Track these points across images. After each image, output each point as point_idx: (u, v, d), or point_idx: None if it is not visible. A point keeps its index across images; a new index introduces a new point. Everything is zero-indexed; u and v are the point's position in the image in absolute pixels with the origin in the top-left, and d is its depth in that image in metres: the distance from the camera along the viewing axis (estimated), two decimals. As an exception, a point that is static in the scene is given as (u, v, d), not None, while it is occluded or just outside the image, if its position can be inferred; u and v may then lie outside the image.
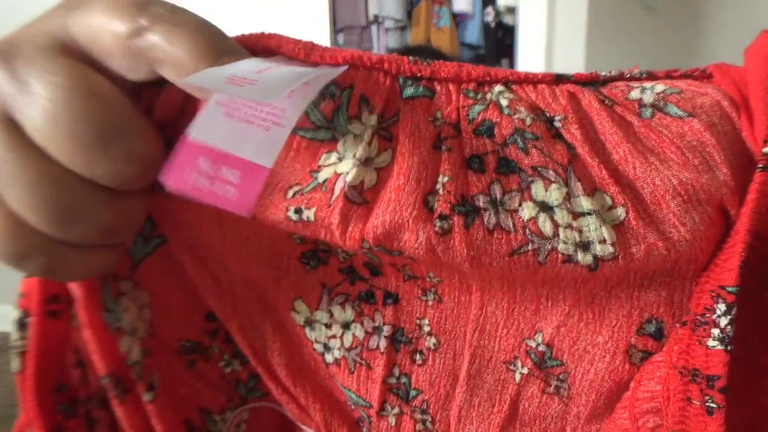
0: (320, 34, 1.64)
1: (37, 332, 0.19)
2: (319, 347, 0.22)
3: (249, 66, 0.15)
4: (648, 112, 0.17)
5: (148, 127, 0.17)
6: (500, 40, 2.39)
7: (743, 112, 0.16)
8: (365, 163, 0.17)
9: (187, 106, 0.18)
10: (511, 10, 2.16)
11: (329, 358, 0.22)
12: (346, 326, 0.21)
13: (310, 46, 0.17)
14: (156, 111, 0.18)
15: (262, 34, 0.17)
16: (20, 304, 0.19)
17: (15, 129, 0.16)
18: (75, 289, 0.19)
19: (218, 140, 0.15)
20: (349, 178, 0.16)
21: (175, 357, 0.23)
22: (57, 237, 0.17)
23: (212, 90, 0.15)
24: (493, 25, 2.34)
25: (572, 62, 1.72)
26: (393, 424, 0.22)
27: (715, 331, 0.16)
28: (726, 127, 0.16)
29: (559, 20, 1.69)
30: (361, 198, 0.17)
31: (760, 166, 0.15)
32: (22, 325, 0.19)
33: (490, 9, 2.32)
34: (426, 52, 0.61)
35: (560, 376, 0.20)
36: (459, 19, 2.35)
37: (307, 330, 0.22)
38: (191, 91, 0.16)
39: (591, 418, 0.20)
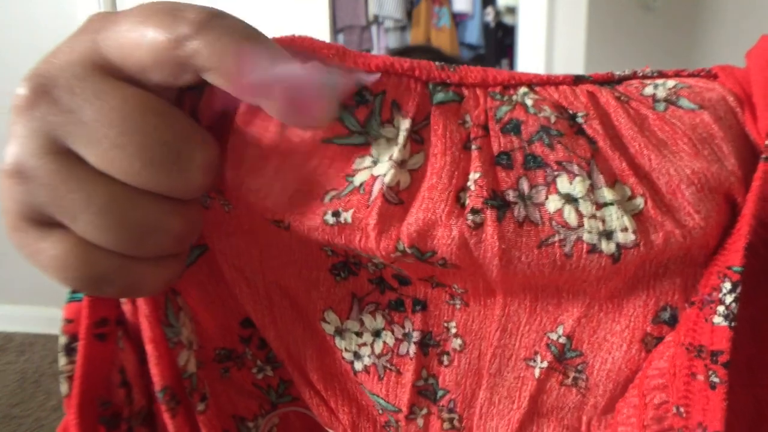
0: (320, 34, 1.64)
1: (85, 356, 0.19)
2: (348, 356, 0.22)
3: (296, 68, 0.16)
4: (662, 106, 0.18)
5: (204, 132, 0.17)
6: (500, 40, 2.39)
7: (746, 108, 0.17)
8: (400, 165, 0.18)
9: (226, 109, 0.18)
10: (511, 10, 2.16)
11: (358, 365, 0.23)
12: (376, 334, 0.22)
13: (342, 51, 0.17)
14: (201, 115, 0.18)
15: (294, 37, 0.18)
16: (66, 329, 0.20)
17: (73, 159, 0.16)
18: (142, 305, 0.20)
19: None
20: (387, 179, 0.17)
21: (210, 366, 0.24)
22: (132, 254, 0.17)
23: (270, 91, 0.16)
24: (493, 25, 2.34)
25: (572, 62, 1.72)
26: (421, 425, 0.23)
27: (721, 308, 0.16)
28: (731, 121, 0.17)
29: (559, 20, 1.69)
30: (397, 198, 0.18)
31: (764, 156, 0.16)
32: (69, 350, 0.20)
33: (490, 9, 2.32)
34: (426, 51, 0.61)
35: (578, 367, 0.21)
36: (459, 19, 2.35)
37: (337, 339, 0.22)
38: (248, 96, 0.16)
39: (608, 408, 0.21)
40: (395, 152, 0.17)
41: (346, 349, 0.22)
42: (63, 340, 0.20)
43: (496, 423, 0.22)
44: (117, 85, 0.16)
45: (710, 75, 0.18)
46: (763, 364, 0.19)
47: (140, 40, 0.16)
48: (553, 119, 0.18)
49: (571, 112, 0.18)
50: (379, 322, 0.22)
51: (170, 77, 0.16)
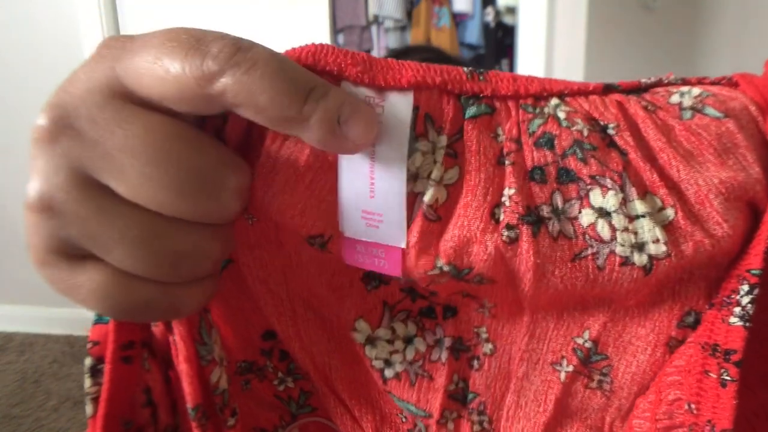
0: (320, 34, 1.64)
1: (111, 379, 0.19)
2: (378, 363, 0.22)
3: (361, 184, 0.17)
4: (688, 114, 0.18)
5: (234, 155, 0.17)
6: (500, 40, 2.39)
7: (767, 116, 0.18)
8: (438, 182, 0.18)
9: (251, 130, 0.18)
10: (511, 10, 2.16)
11: (389, 373, 0.22)
12: (408, 341, 0.22)
13: (370, 66, 0.17)
14: (227, 137, 0.18)
15: (319, 52, 0.17)
16: (93, 351, 0.20)
17: (103, 190, 0.16)
18: (178, 325, 0.20)
19: (362, 235, 0.18)
20: (426, 198, 0.18)
21: (232, 379, 0.24)
22: (171, 281, 0.17)
23: (353, 234, 0.18)
24: (493, 25, 2.34)
25: (572, 62, 1.71)
26: (452, 429, 0.23)
27: (737, 309, 0.17)
28: (753, 130, 0.18)
29: (559, 20, 1.69)
30: (436, 215, 0.18)
31: None
32: (95, 371, 0.20)
33: (490, 9, 2.32)
34: (427, 51, 0.61)
35: (603, 370, 0.21)
36: (459, 19, 2.35)
37: (368, 348, 0.22)
38: (284, 129, 0.16)
39: (631, 409, 0.21)
40: (434, 171, 0.18)
41: (376, 357, 0.22)
42: (89, 362, 0.20)
43: (523, 425, 0.22)
44: (139, 113, 0.15)
45: (731, 83, 0.19)
46: None
47: (164, 75, 0.15)
48: (585, 132, 0.18)
49: (602, 123, 0.18)
50: (411, 329, 0.22)
51: (196, 110, 0.16)
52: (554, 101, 0.18)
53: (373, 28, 2.34)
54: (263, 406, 0.25)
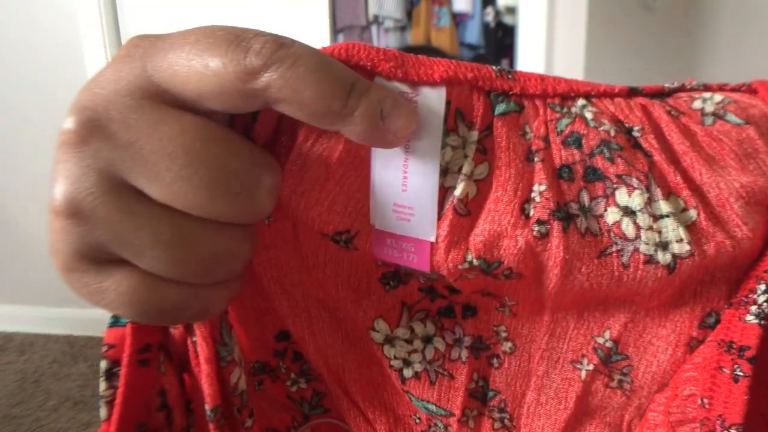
0: (320, 34, 1.64)
1: (127, 381, 0.19)
2: (397, 363, 0.22)
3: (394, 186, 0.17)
4: (710, 120, 0.18)
5: (267, 155, 0.17)
6: (500, 40, 2.39)
7: None
8: (468, 176, 0.18)
9: (279, 128, 0.18)
10: (511, 10, 2.16)
11: (408, 372, 0.22)
12: (427, 340, 0.22)
13: (402, 62, 0.17)
14: (257, 136, 0.18)
15: (352, 49, 0.17)
16: (108, 354, 0.20)
17: (134, 193, 0.15)
18: (200, 326, 0.20)
19: (393, 228, 0.18)
20: (457, 193, 0.18)
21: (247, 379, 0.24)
22: (201, 282, 0.17)
23: (383, 227, 0.18)
24: (493, 25, 2.34)
25: (572, 62, 1.71)
26: (472, 426, 0.23)
27: (753, 308, 0.17)
28: None
29: (559, 20, 1.69)
30: (466, 210, 0.18)
31: None
32: (110, 375, 0.20)
33: (489, 9, 2.32)
34: (427, 51, 0.61)
35: (624, 370, 0.21)
36: (459, 19, 2.35)
37: (386, 348, 0.22)
38: (326, 125, 0.16)
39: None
40: (465, 165, 0.18)
41: (395, 357, 0.22)
42: (104, 365, 0.20)
43: (543, 422, 0.23)
44: (173, 114, 0.15)
45: (751, 90, 0.19)
46: None
47: (202, 71, 0.15)
48: (612, 133, 0.18)
49: (627, 125, 0.18)
50: (430, 328, 0.22)
51: (233, 107, 0.16)
52: (581, 102, 0.18)
53: (373, 28, 2.34)
54: (276, 406, 0.25)
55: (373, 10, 2.25)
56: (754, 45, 1.96)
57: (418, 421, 0.24)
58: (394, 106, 0.16)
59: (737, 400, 0.17)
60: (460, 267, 0.18)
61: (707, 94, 0.19)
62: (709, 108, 0.18)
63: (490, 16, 2.32)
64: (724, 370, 0.18)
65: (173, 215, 0.15)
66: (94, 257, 0.16)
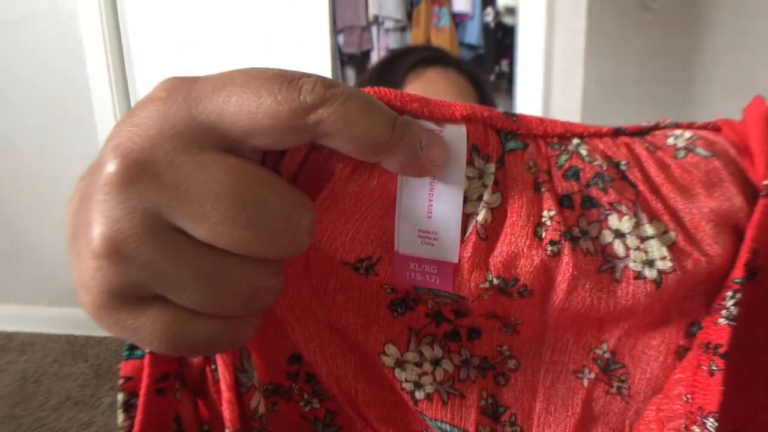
0: (320, 35, 1.64)
1: (144, 410, 0.20)
2: (408, 386, 0.24)
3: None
4: (682, 153, 0.21)
5: (303, 194, 0.17)
6: (500, 40, 2.39)
7: (746, 156, 0.21)
8: (487, 204, 0.20)
9: (304, 164, 0.19)
10: (511, 11, 2.16)
11: (419, 395, 0.24)
12: (436, 363, 0.24)
13: (425, 102, 0.19)
14: (283, 172, 0.19)
15: (376, 91, 0.19)
16: (125, 387, 0.21)
17: (177, 233, 0.16)
18: (222, 355, 0.21)
19: (418, 252, 0.20)
20: (479, 218, 0.20)
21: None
22: (235, 315, 0.17)
23: (411, 251, 0.20)
24: (492, 25, 2.34)
25: (571, 62, 1.72)
26: None
27: (724, 312, 0.20)
28: (735, 167, 0.21)
29: (559, 20, 1.69)
30: (485, 234, 0.20)
31: (763, 193, 0.20)
32: (128, 406, 0.21)
33: (489, 9, 2.32)
34: (428, 50, 0.61)
35: (621, 377, 0.24)
36: (459, 20, 2.35)
37: (397, 371, 0.23)
38: (370, 156, 0.18)
39: None
40: (485, 194, 0.20)
41: (406, 380, 0.23)
42: (122, 397, 0.21)
43: (553, 429, 0.24)
44: (219, 156, 0.16)
45: (715, 127, 0.22)
46: (754, 349, 0.23)
47: (255, 109, 0.16)
48: (604, 167, 0.21)
49: (615, 160, 0.21)
50: (438, 351, 0.24)
51: (280, 143, 0.16)
52: (576, 141, 0.21)
53: (373, 29, 2.34)
54: (290, 427, 0.26)
55: (373, 10, 2.25)
56: (754, 45, 1.96)
57: None
58: (431, 138, 0.18)
59: (713, 391, 0.19)
60: (480, 286, 0.20)
61: (678, 131, 0.22)
62: (681, 144, 0.21)
63: (489, 16, 2.32)
64: (702, 367, 0.20)
65: (214, 253, 0.16)
66: (129, 295, 0.16)
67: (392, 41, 2.30)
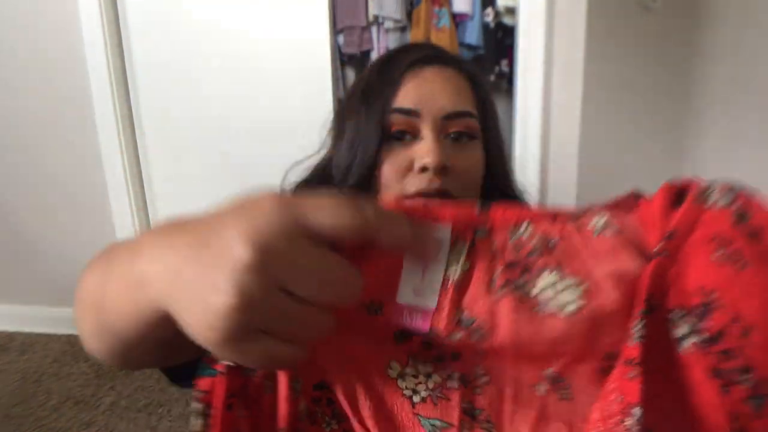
0: (320, 35, 1.64)
1: (217, 422, 0.29)
2: (408, 392, 0.33)
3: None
4: (599, 231, 0.29)
5: (352, 267, 0.26)
6: (500, 40, 2.39)
7: (648, 229, 0.29)
8: (460, 269, 0.30)
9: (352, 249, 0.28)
10: (511, 11, 2.16)
11: (417, 398, 0.33)
12: (428, 375, 0.32)
13: (425, 211, 0.30)
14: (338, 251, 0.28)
15: (397, 203, 0.30)
16: (202, 399, 0.29)
17: (284, 292, 0.24)
18: (285, 371, 0.31)
19: (411, 301, 0.30)
20: (455, 277, 0.30)
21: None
22: (309, 341, 0.27)
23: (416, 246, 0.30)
24: (492, 25, 2.34)
25: (571, 62, 1.72)
26: None
27: (635, 335, 0.27)
28: (636, 240, 0.29)
29: (559, 21, 1.69)
30: (458, 287, 0.30)
31: (654, 256, 0.28)
32: (205, 415, 0.29)
33: (489, 10, 2.32)
34: (427, 48, 0.61)
35: (565, 387, 0.31)
36: (459, 20, 2.35)
37: (399, 381, 0.32)
38: (397, 247, 0.29)
39: (590, 413, 0.31)
40: (460, 262, 0.30)
41: (406, 387, 0.32)
42: (198, 406, 0.29)
43: (520, 424, 0.32)
44: (312, 244, 0.25)
45: (636, 206, 0.30)
46: (667, 364, 0.29)
47: (340, 217, 0.25)
48: (540, 243, 0.30)
49: (549, 237, 0.30)
50: (429, 368, 0.32)
51: (349, 238, 0.26)
52: (524, 225, 0.30)
53: (373, 29, 2.34)
54: None
55: (373, 10, 2.25)
56: (753, 44, 1.97)
57: None
58: (426, 234, 0.30)
59: (635, 390, 0.27)
60: (452, 325, 0.29)
61: (600, 215, 0.30)
62: (600, 224, 0.29)
63: (489, 16, 2.32)
64: (627, 375, 0.27)
65: (304, 303, 0.25)
66: (247, 331, 0.24)
67: (392, 41, 2.30)
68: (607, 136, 2.02)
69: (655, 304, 0.27)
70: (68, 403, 1.52)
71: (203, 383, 0.28)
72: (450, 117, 0.57)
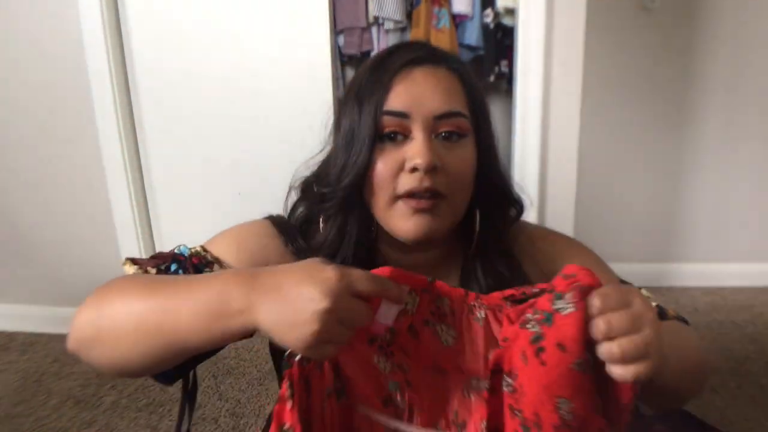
0: (320, 35, 1.64)
1: (297, 388, 0.47)
2: (381, 367, 0.52)
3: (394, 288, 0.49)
4: (477, 320, 0.52)
5: (369, 306, 0.46)
6: (499, 40, 2.39)
7: (499, 331, 0.52)
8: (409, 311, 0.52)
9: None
10: (510, 12, 2.16)
11: (386, 369, 0.52)
12: (386, 360, 0.52)
13: (399, 278, 0.49)
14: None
15: (384, 271, 0.49)
16: (290, 378, 0.47)
17: (344, 327, 0.43)
18: (329, 361, 0.51)
19: (382, 320, 0.50)
20: (408, 307, 0.51)
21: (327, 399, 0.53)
22: (341, 343, 0.44)
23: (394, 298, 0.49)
24: (492, 26, 2.34)
25: (570, 62, 1.72)
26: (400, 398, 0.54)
27: (577, 362, 0.43)
28: (494, 335, 0.53)
29: (558, 21, 1.69)
30: (411, 313, 0.52)
31: (499, 346, 0.51)
32: (291, 385, 0.47)
33: (489, 10, 2.32)
34: (416, 49, 0.62)
35: (512, 381, 0.48)
36: (458, 20, 2.35)
37: (377, 362, 0.52)
38: (389, 300, 0.49)
39: (535, 404, 0.46)
40: (411, 303, 0.51)
41: (382, 365, 0.52)
42: (288, 382, 0.47)
43: (423, 391, 0.53)
44: (356, 300, 0.43)
45: (582, 296, 0.43)
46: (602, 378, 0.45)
47: (370, 285, 0.44)
48: (448, 310, 0.53)
49: (453, 309, 0.52)
50: (384, 357, 0.52)
51: (369, 295, 0.45)
52: (478, 301, 0.52)
53: (374, 30, 2.34)
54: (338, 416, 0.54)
55: (373, 11, 2.26)
56: (752, 44, 1.97)
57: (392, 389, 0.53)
58: (397, 293, 0.48)
59: (482, 408, 0.51)
60: (387, 332, 0.51)
61: (481, 310, 0.52)
62: (480, 316, 0.52)
63: (489, 17, 2.32)
64: (482, 399, 0.51)
65: (348, 327, 0.43)
66: (321, 343, 0.42)
67: (392, 42, 2.30)
68: (606, 135, 2.02)
69: (497, 369, 0.50)
70: (69, 403, 1.52)
71: (289, 372, 0.47)
72: (440, 117, 0.58)
